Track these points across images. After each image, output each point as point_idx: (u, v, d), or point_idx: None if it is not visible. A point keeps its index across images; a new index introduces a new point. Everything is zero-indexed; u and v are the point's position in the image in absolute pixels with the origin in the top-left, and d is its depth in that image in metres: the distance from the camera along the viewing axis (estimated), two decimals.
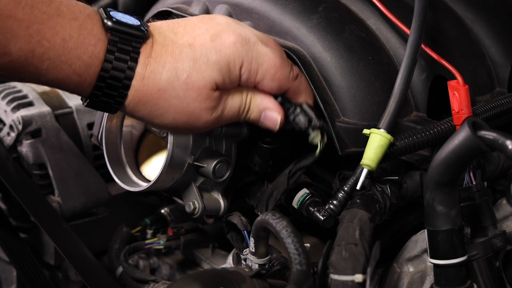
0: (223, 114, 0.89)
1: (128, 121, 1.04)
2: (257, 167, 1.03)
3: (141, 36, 0.83)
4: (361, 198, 0.90)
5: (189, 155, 0.96)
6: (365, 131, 0.91)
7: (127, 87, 0.83)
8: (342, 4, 1.04)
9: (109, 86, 0.82)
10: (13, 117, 1.25)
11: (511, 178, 1.02)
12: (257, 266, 0.92)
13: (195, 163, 0.97)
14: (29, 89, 1.31)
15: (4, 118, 1.28)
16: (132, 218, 1.30)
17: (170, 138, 0.94)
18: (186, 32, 0.86)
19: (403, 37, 1.00)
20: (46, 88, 1.34)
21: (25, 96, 1.29)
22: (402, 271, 0.94)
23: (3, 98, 1.28)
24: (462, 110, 0.91)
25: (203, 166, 0.97)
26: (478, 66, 1.07)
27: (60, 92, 1.33)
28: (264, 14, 1.03)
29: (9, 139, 1.25)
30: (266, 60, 0.88)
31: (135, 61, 0.82)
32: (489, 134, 0.75)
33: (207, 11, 1.10)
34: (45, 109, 1.27)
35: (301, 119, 0.92)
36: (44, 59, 0.79)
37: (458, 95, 0.91)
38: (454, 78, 0.92)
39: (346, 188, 0.92)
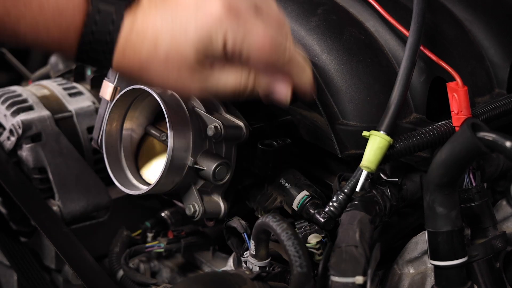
0: (212, 87, 0.83)
1: (128, 125, 1.04)
2: (257, 169, 1.03)
3: (124, 3, 0.78)
4: (361, 200, 0.90)
5: (189, 158, 0.96)
6: (365, 133, 0.91)
7: (109, 59, 0.80)
8: (340, 6, 1.05)
9: (92, 52, 0.80)
10: (13, 121, 1.25)
11: (511, 179, 1.02)
12: (257, 268, 0.92)
13: (195, 166, 0.97)
14: (29, 93, 1.31)
15: (4, 123, 1.28)
16: (132, 221, 1.30)
17: (170, 141, 0.94)
18: (173, 0, 0.79)
19: (402, 39, 1.00)
20: (46, 92, 1.34)
21: (24, 100, 1.29)
22: (403, 273, 0.94)
23: (3, 102, 1.29)
24: (461, 111, 0.91)
25: (203, 169, 0.97)
26: (477, 68, 1.07)
27: (60, 96, 1.33)
28: None
29: (9, 144, 1.25)
30: (254, 39, 0.79)
31: (115, 35, 0.78)
32: (489, 135, 0.75)
33: None
34: (45, 113, 1.27)
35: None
36: (20, 22, 0.76)
37: (457, 97, 0.91)
38: (453, 79, 0.92)
39: (346, 190, 0.92)
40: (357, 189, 0.91)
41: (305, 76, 0.88)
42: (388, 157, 0.90)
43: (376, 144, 0.89)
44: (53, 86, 1.36)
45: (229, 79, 0.83)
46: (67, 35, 0.78)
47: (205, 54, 0.79)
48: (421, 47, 0.95)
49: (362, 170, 0.90)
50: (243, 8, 0.78)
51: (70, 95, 1.34)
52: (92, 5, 0.77)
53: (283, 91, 0.86)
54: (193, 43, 0.78)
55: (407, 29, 0.95)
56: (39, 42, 0.79)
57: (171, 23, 0.78)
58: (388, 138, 0.89)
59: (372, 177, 0.94)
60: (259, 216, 1.03)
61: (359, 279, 0.77)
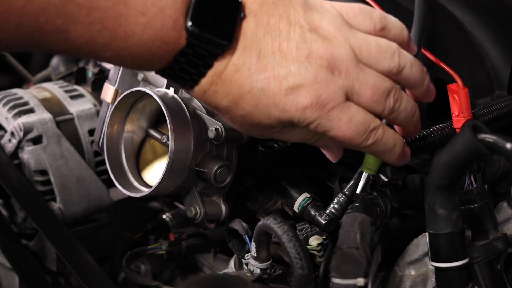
0: (279, 138, 0.84)
1: (129, 127, 1.04)
2: (258, 171, 1.03)
3: (221, 45, 0.75)
4: (362, 202, 0.90)
5: (190, 160, 0.96)
6: None
7: (191, 87, 0.78)
8: None
9: (175, 77, 0.78)
10: (14, 124, 1.25)
11: (511, 180, 1.02)
12: (258, 270, 0.92)
13: (196, 168, 0.97)
14: (30, 96, 1.32)
15: (5, 125, 1.28)
16: (133, 223, 1.31)
17: (171, 144, 0.94)
18: (269, 64, 0.76)
19: None
20: (47, 95, 1.34)
21: (26, 103, 1.29)
22: (404, 275, 0.94)
23: (4, 105, 1.29)
24: (462, 113, 0.91)
25: (204, 171, 0.97)
26: (477, 69, 1.07)
27: (61, 98, 1.34)
28: None
29: (10, 146, 1.25)
30: (336, 128, 0.78)
31: (202, 75, 0.76)
32: (489, 137, 0.75)
33: None
34: (46, 115, 1.27)
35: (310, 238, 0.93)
36: (106, 49, 0.73)
37: (458, 98, 0.91)
38: (453, 81, 0.92)
39: (347, 192, 0.92)
40: (358, 191, 0.91)
41: (390, 155, 0.84)
42: None
43: None
44: (54, 89, 1.36)
45: (296, 136, 0.84)
46: (152, 63, 0.76)
47: (282, 126, 0.80)
48: (422, 49, 0.95)
49: (363, 172, 0.90)
50: (332, 100, 0.77)
51: (71, 97, 1.34)
52: (187, 44, 0.75)
53: (335, 155, 0.90)
54: (273, 121, 0.79)
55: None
56: (122, 65, 0.79)
57: (258, 94, 0.77)
58: None
59: (373, 179, 0.94)
60: (260, 218, 1.03)
61: (360, 281, 0.77)
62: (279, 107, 0.77)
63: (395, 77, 0.82)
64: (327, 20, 0.79)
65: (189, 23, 0.74)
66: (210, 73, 0.76)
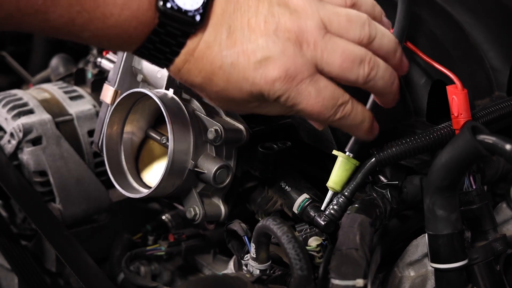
0: (257, 112, 0.85)
1: (128, 128, 1.04)
2: (257, 172, 1.03)
3: (193, 24, 0.77)
4: (362, 203, 0.90)
5: (190, 161, 0.96)
6: (334, 152, 0.93)
7: (165, 65, 0.80)
8: None
9: (150, 57, 0.80)
10: (14, 125, 1.25)
11: (511, 181, 1.02)
12: (258, 271, 0.92)
13: (196, 169, 0.97)
14: (30, 97, 1.32)
15: (4, 126, 1.28)
16: (133, 224, 1.31)
17: (171, 145, 0.94)
18: (238, 39, 0.78)
19: None
20: (46, 96, 1.34)
21: (25, 104, 1.29)
22: (403, 276, 0.94)
23: (4, 106, 1.29)
24: (461, 114, 0.91)
25: (203, 172, 0.97)
26: (477, 70, 1.07)
27: (61, 99, 1.34)
28: None
29: (9, 147, 1.25)
30: (304, 102, 0.79)
31: (176, 54, 0.78)
32: (489, 138, 0.75)
33: None
34: (46, 116, 1.27)
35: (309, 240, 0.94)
36: (84, 30, 0.76)
37: (457, 100, 0.91)
38: (453, 82, 0.92)
39: (346, 193, 0.93)
40: (322, 208, 0.94)
41: (358, 130, 0.86)
42: (389, 161, 0.90)
43: (342, 166, 0.92)
44: (54, 90, 1.36)
45: (273, 110, 0.84)
46: (129, 43, 0.79)
47: (257, 101, 0.81)
48: (420, 53, 0.95)
49: (329, 190, 0.93)
50: (301, 73, 0.78)
51: (71, 98, 1.34)
52: (159, 23, 0.77)
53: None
54: (245, 95, 0.80)
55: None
56: (100, 46, 0.82)
57: (229, 68, 0.78)
58: (353, 161, 0.92)
59: (374, 179, 0.94)
60: (260, 219, 1.03)
61: (359, 282, 0.77)
62: (249, 81, 0.78)
63: (366, 47, 0.82)
64: None
65: (160, 3, 0.76)
66: (183, 52, 0.78)
